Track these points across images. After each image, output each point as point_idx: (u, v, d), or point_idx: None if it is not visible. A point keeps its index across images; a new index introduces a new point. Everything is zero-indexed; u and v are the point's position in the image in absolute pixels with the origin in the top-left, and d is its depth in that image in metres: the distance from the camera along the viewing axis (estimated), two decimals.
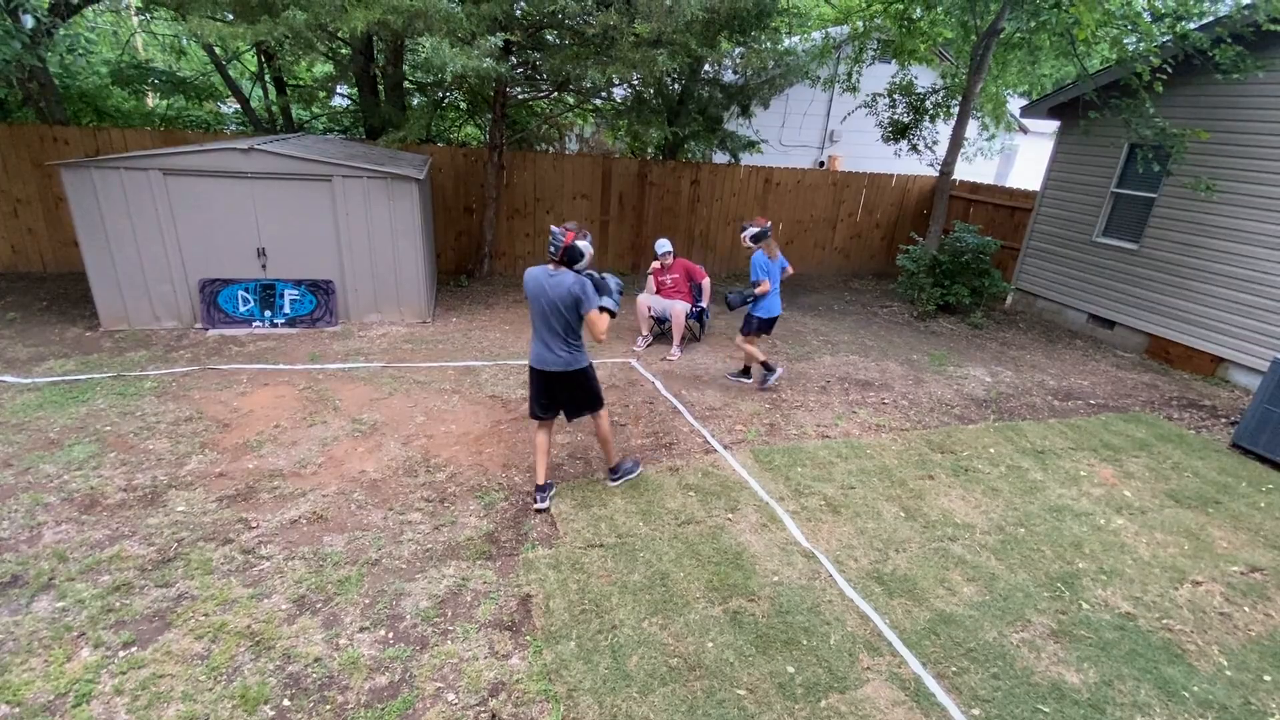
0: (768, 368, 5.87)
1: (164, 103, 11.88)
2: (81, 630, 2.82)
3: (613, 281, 3.62)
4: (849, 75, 9.80)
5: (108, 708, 2.49)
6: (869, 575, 3.57)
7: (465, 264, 9.10)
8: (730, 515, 3.99)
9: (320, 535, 3.54)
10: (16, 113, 9.13)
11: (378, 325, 6.80)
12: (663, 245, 6.68)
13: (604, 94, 8.66)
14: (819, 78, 9.84)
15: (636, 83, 8.08)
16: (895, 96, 9.60)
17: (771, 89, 8.87)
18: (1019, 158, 16.11)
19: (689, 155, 10.57)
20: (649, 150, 10.87)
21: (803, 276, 10.77)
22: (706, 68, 9.15)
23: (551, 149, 11.71)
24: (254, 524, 3.58)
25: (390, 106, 9.01)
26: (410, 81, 9.77)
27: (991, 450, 5.15)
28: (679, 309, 6.53)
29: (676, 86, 9.10)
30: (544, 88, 8.57)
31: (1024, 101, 12.08)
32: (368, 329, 6.68)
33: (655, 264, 6.65)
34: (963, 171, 10.50)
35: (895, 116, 9.69)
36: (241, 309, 6.37)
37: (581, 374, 3.75)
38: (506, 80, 7.42)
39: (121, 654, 2.72)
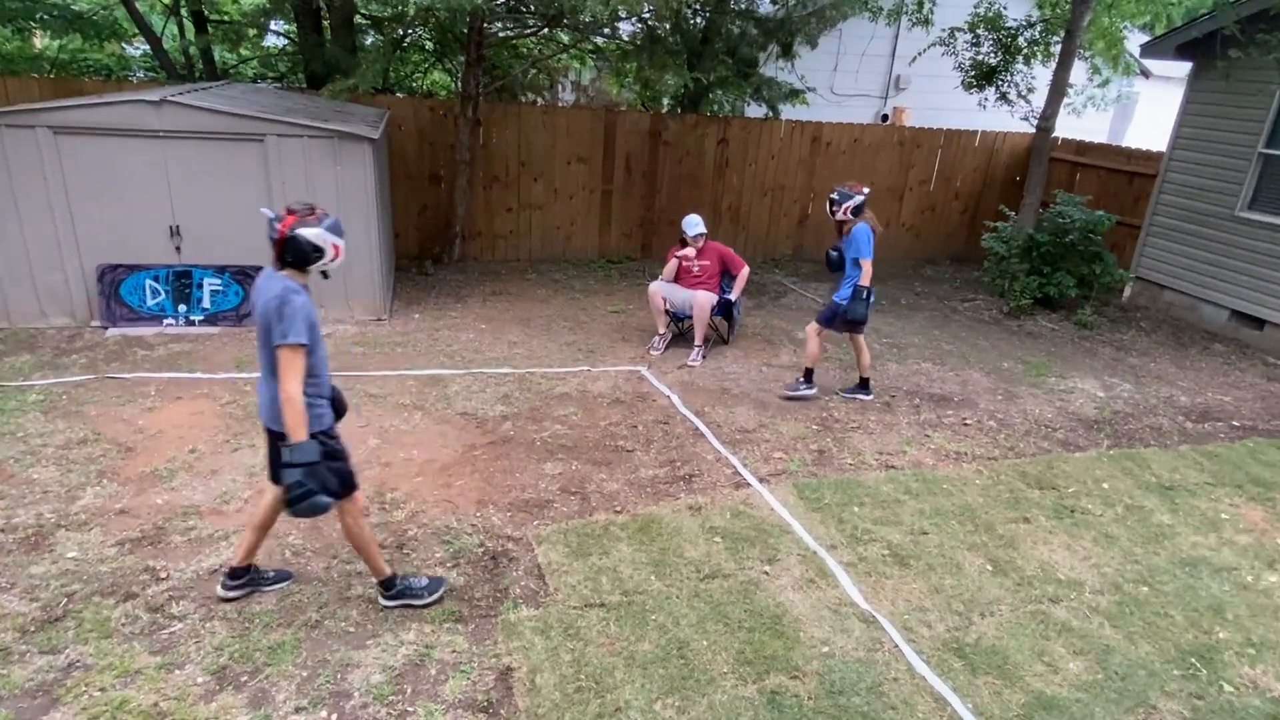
0: (809, 377, 5.97)
1: (55, 44, 12.10)
2: None
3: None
4: (920, 4, 9.81)
5: None
6: (946, 646, 3.55)
7: (431, 246, 9.18)
8: (768, 568, 3.98)
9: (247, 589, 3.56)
10: None
11: (322, 323, 6.85)
12: (694, 224, 6.70)
13: (607, 30, 8.73)
14: (881, 8, 9.86)
15: (648, 15, 8.13)
16: (979, 32, 9.60)
17: (821, 23, 8.90)
18: (1138, 109, 16.03)
19: (715, 108, 10.61)
20: (664, 102, 10.91)
21: None
22: None
23: (540, 100, 11.80)
24: (163, 574, 3.62)
25: (337, 48, 9.13)
26: (363, 16, 9.91)
27: (1105, 486, 5.10)
28: (702, 299, 6.55)
29: (699, 20, 9.15)
30: (531, 23, 8.66)
31: (1146, 37, 12.04)
32: None
33: (684, 250, 6.68)
34: (1066, 127, 10.45)
35: (979, 57, 9.68)
36: (150, 302, 6.46)
37: (307, 444, 3.02)
38: (484, 14, 7.50)
39: None
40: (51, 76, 10.06)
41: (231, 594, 3.48)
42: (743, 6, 9.11)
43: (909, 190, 10.89)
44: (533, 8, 8.14)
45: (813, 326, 5.93)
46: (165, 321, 6.49)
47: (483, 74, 8.43)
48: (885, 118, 12.51)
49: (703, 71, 8.39)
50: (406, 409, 5.43)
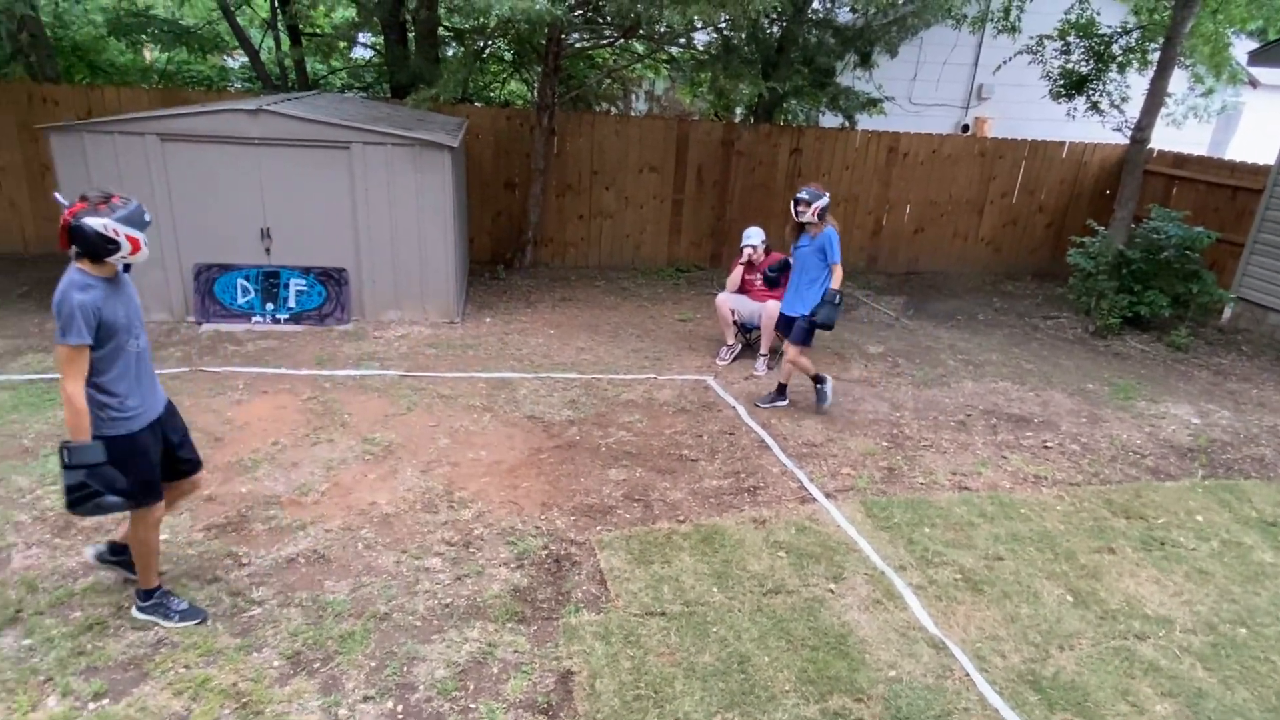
0: (820, 380, 5.90)
1: (164, 56, 12.91)
2: (49, 675, 3.05)
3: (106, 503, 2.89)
4: (1006, 12, 9.52)
5: None
6: (1021, 678, 3.40)
7: (503, 252, 9.38)
8: (833, 586, 3.90)
9: (321, 579, 3.70)
10: (3, 68, 10.15)
11: (397, 324, 7.09)
12: (754, 235, 6.66)
13: (682, 40, 8.77)
14: (965, 16, 9.61)
15: (724, 25, 8.13)
16: (1070, 39, 9.25)
17: (901, 31, 8.74)
18: (1243, 120, 15.11)
19: (788, 117, 10.52)
20: (737, 111, 10.89)
21: (936, 275, 10.47)
22: (815, 4, 9.11)
23: (614, 110, 11.94)
24: (245, 560, 3.79)
25: (421, 59, 9.44)
26: (446, 28, 10.22)
27: (1199, 518, 4.82)
28: (772, 310, 6.48)
29: (775, 29, 9.11)
30: (607, 34, 8.78)
31: (1254, 44, 11.35)
32: (385, 329, 6.98)
33: (743, 255, 6.63)
34: (1164, 138, 9.95)
35: (1070, 65, 9.33)
36: (240, 300, 6.80)
37: (106, 446, 2.95)
38: (562, 25, 7.64)
39: (91, 707, 2.93)
40: (159, 87, 10.73)
41: (100, 564, 3.51)
42: (821, 15, 9.03)
43: (989, 203, 10.54)
44: (609, 19, 8.25)
45: (793, 350, 5.65)
46: (254, 319, 6.82)
47: (559, 84, 8.59)
48: (966, 128, 12.17)
49: (778, 81, 8.35)
50: (476, 410, 5.55)
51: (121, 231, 2.88)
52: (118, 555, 3.53)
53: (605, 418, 5.59)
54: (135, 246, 2.95)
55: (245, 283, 6.79)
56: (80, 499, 2.89)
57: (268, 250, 6.78)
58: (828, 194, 5.42)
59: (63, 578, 3.58)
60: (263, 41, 12.75)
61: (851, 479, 4.96)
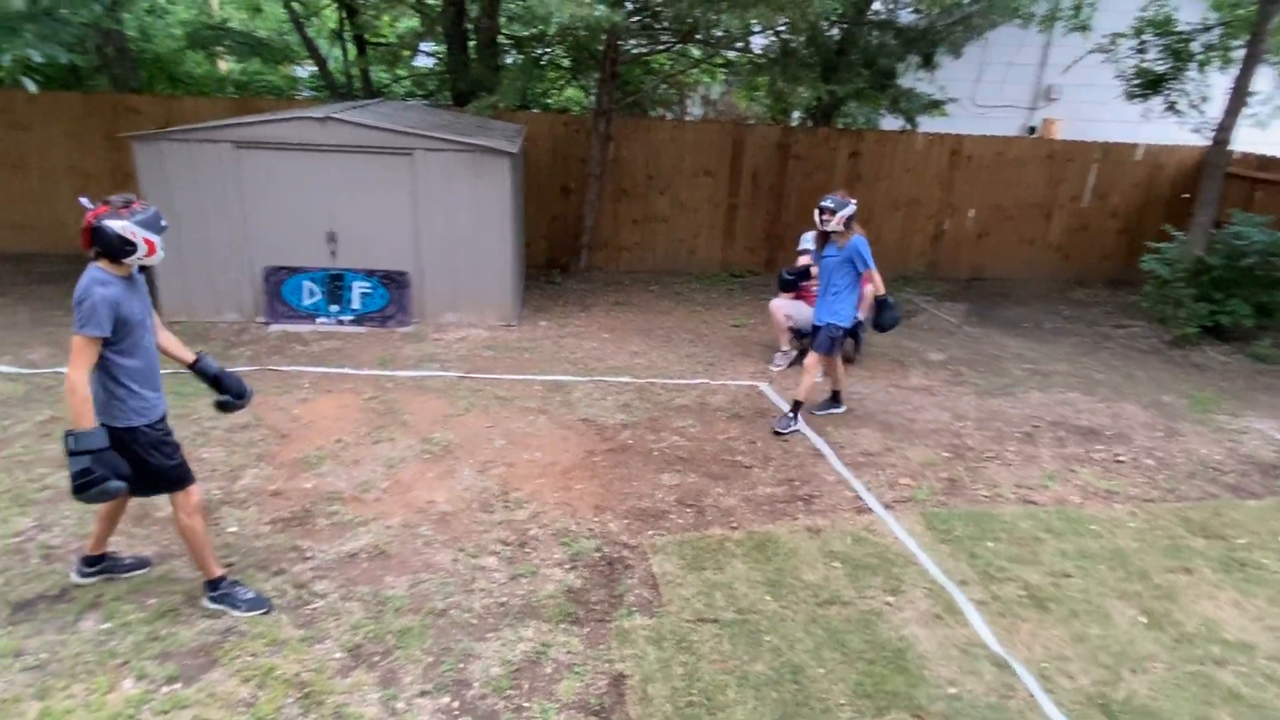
0: (836, 398, 5.87)
1: (238, 66, 13.46)
2: (125, 658, 3.20)
3: (111, 486, 3.00)
4: (1077, 9, 9.20)
5: None
6: (1090, 700, 3.27)
7: (559, 256, 9.48)
8: (890, 599, 3.82)
9: (381, 574, 3.80)
10: (90, 80, 10.72)
11: (455, 327, 7.23)
12: (811, 240, 6.57)
13: (739, 44, 8.74)
14: (1033, 15, 9.33)
15: (783, 28, 8.07)
16: (1145, 37, 8.88)
17: (967, 32, 8.54)
18: None
19: (847, 120, 10.37)
20: (794, 114, 10.78)
21: (1001, 282, 10.17)
22: (877, 5, 8.96)
23: (669, 114, 11.96)
24: (309, 554, 3.91)
25: (482, 66, 9.62)
26: (506, 36, 10.40)
27: None
28: None
29: (835, 31, 8.99)
30: (664, 39, 8.80)
31: None
32: (444, 331, 7.12)
33: (801, 262, 6.55)
34: (1247, 140, 9.46)
35: (1145, 64, 8.96)
36: (306, 302, 7.03)
37: (122, 435, 3.12)
38: (621, 31, 7.70)
39: (164, 690, 3.06)
40: (234, 96, 11.20)
41: (86, 580, 3.59)
42: (882, 17, 8.88)
43: (1058, 207, 10.18)
44: (666, 24, 8.27)
45: (812, 359, 5.46)
46: (319, 320, 7.05)
47: (615, 89, 8.65)
48: (1033, 130, 11.80)
49: (837, 83, 8.23)
50: (531, 412, 5.61)
51: (139, 234, 3.03)
52: (94, 566, 3.62)
53: (658, 422, 5.59)
54: (151, 249, 3.09)
55: (311, 285, 7.01)
56: (85, 484, 2.99)
57: (333, 253, 6.99)
58: (854, 201, 5.25)
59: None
60: (330, 51, 13.18)
61: (910, 490, 4.85)
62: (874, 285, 5.34)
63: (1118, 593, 3.97)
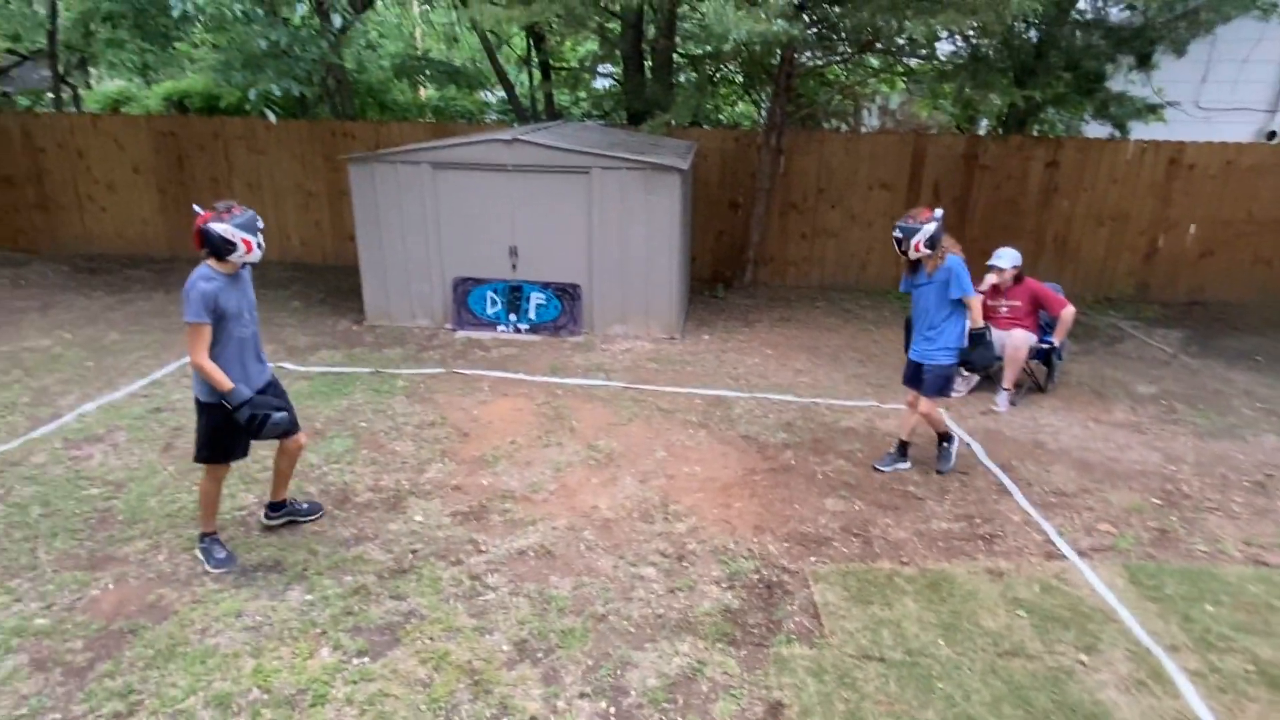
0: (947, 439, 5.12)
1: (436, 93, 14.73)
2: (324, 629, 3.55)
3: (278, 421, 3.60)
4: None
5: (338, 716, 3.08)
6: None
7: (723, 271, 9.49)
8: (1084, 657, 3.44)
9: (546, 573, 3.95)
10: (315, 109, 12.16)
11: (622, 338, 7.44)
12: (1008, 256, 6.11)
13: (923, 51, 8.35)
14: (1275, 5, 8.14)
15: (972, 33, 7.61)
16: None
17: (1192, 28, 7.60)
18: None
19: (1044, 128, 9.58)
20: (982, 123, 10.14)
21: (1227, 307, 8.94)
22: (1082, 3, 8.23)
23: (844, 126, 11.64)
24: (483, 547, 4.15)
25: (657, 86, 9.88)
26: (680, 55, 10.61)
27: None
28: (1019, 339, 5.92)
29: (1032, 33, 8.35)
30: (841, 50, 8.59)
31: None
32: (611, 342, 7.35)
33: (988, 280, 6.10)
34: None
35: None
36: (489, 311, 7.52)
37: (197, 408, 3.74)
38: (798, 44, 7.60)
39: (355, 662, 3.36)
40: (431, 121, 12.25)
41: (273, 522, 4.24)
42: (1088, 17, 8.12)
43: None
44: (844, 35, 8.07)
45: (926, 404, 4.84)
46: (499, 328, 7.51)
47: (788, 103, 8.55)
48: (1273, 135, 10.29)
49: (1034, 89, 7.62)
50: (692, 426, 5.64)
51: (238, 235, 3.50)
52: (278, 511, 4.26)
53: (822, 444, 5.42)
54: (249, 248, 3.55)
55: (494, 295, 7.49)
56: (258, 426, 3.60)
57: (514, 266, 7.43)
58: (933, 218, 4.49)
59: (338, 545, 4.16)
60: (518, 77, 14.09)
61: (1111, 537, 4.35)
62: (972, 315, 4.66)
63: None
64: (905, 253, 4.57)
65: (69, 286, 8.87)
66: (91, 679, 3.21)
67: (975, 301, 4.67)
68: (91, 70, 17.44)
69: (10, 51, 14.89)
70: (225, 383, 3.56)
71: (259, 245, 3.61)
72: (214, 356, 3.61)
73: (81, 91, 16.63)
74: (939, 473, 5.00)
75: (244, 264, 3.66)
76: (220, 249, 3.54)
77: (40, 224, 10.25)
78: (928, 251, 4.53)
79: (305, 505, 4.38)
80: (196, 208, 3.62)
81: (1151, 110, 8.06)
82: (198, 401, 3.74)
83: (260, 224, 3.64)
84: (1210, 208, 8.83)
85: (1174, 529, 4.46)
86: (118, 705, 3.08)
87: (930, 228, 4.47)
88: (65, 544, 4.10)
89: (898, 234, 4.55)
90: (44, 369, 6.41)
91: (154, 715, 3.04)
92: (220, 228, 3.50)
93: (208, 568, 3.93)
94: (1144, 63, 7.97)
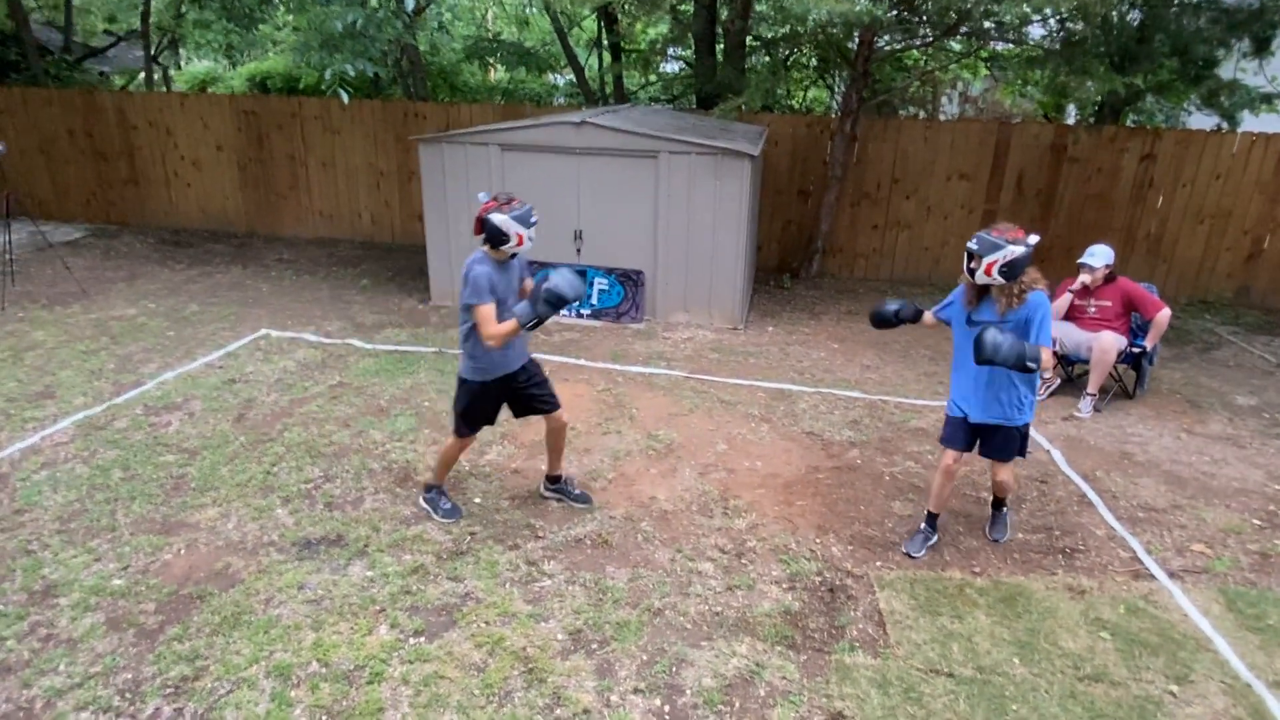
0: (1006, 504, 4.26)
1: (506, 75, 14.82)
2: (383, 606, 3.57)
3: (555, 285, 3.54)
4: None
5: (394, 695, 3.09)
6: None
7: (790, 261, 9.27)
8: (1175, 688, 3.20)
9: (603, 563, 3.90)
10: (389, 90, 12.35)
11: (684, 327, 7.32)
12: (1101, 254, 5.72)
13: (1012, 35, 7.92)
14: None
15: (1069, 14, 7.17)
16: None
17: None
18: None
19: (1141, 117, 9.01)
20: (1072, 112, 9.60)
21: None
22: None
23: (922, 114, 11.21)
24: (540, 533, 4.13)
25: (730, 69, 9.66)
26: (754, 38, 10.36)
27: None
28: (1107, 342, 5.58)
29: (1135, 14, 7.82)
30: (922, 34, 8.22)
31: None
32: (673, 330, 7.24)
33: (1080, 280, 5.75)
34: None
35: None
36: None
37: (459, 383, 3.99)
38: (879, 26, 7.30)
39: (412, 642, 3.37)
40: (501, 103, 12.31)
41: (548, 495, 4.42)
42: None
43: None
44: (927, 18, 7.71)
45: (1009, 472, 4.01)
46: (562, 312, 7.47)
47: (865, 89, 8.24)
48: None
49: (1134, 75, 7.13)
50: (754, 419, 5.50)
51: (512, 228, 3.65)
52: (554, 485, 4.42)
53: (890, 444, 5.22)
54: (520, 240, 3.70)
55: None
56: (553, 305, 3.63)
57: (578, 250, 7.38)
58: (1023, 241, 3.48)
59: (400, 523, 4.19)
60: (587, 60, 14.03)
61: (1206, 559, 4.05)
62: (1044, 362, 3.54)
63: None
64: (972, 272, 3.57)
65: (154, 258, 9.24)
66: (161, 641, 3.31)
67: (1049, 355, 3.68)
68: (181, 51, 18.15)
69: (107, 32, 15.59)
70: (510, 326, 3.65)
71: (529, 239, 3.75)
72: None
73: (172, 72, 17.33)
74: (995, 541, 4.16)
75: (513, 254, 3.81)
76: (496, 237, 3.69)
77: (131, 198, 10.70)
78: (1000, 280, 3.52)
79: (578, 491, 4.44)
80: (481, 195, 3.77)
81: (1267, 100, 7.47)
82: (461, 379, 3.98)
83: (534, 219, 3.76)
84: None
85: (1277, 553, 4.13)
86: (185, 669, 3.16)
87: (1016, 250, 3.45)
88: (142, 508, 4.24)
89: (973, 246, 3.55)
90: (129, 337, 6.68)
91: (218, 681, 3.11)
92: (499, 218, 3.65)
93: (435, 516, 4.21)
94: (1261, 48, 7.38)
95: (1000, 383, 3.73)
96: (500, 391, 4.05)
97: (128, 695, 3.04)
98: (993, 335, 3.39)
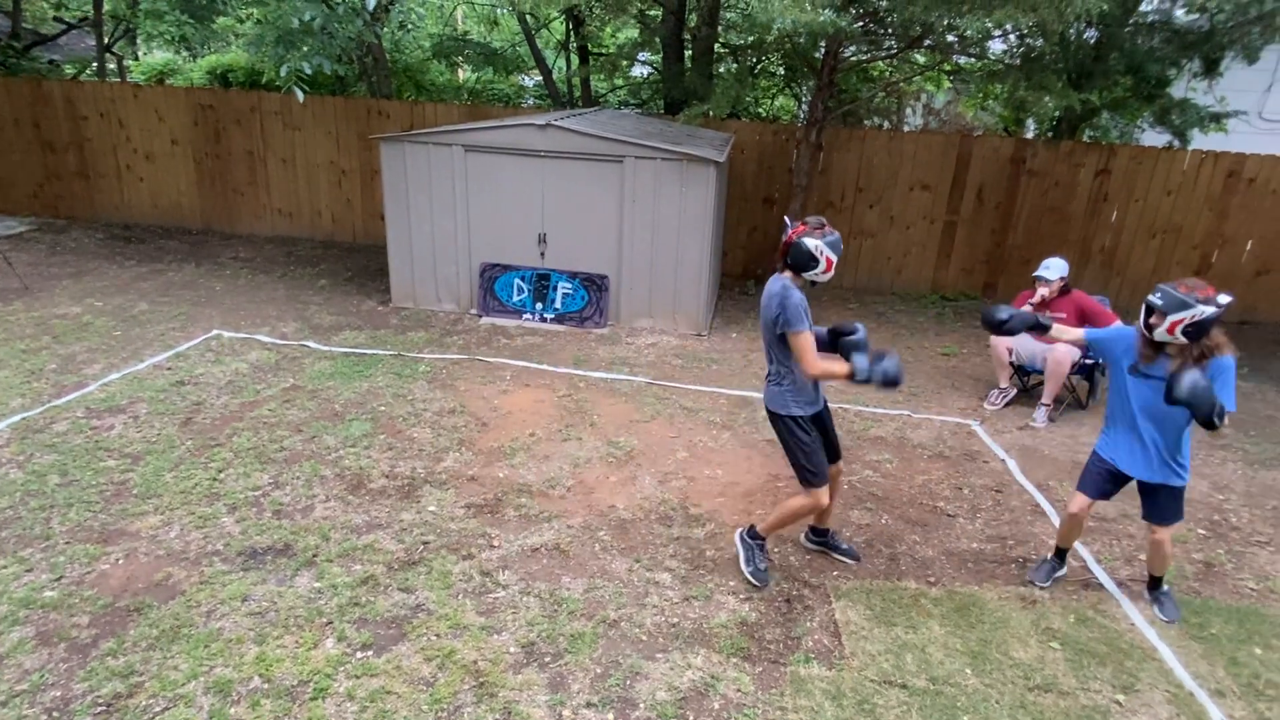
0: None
1: (473, 75, 14.66)
2: (330, 619, 3.47)
3: (890, 366, 3.38)
4: None
5: (339, 711, 3.00)
6: None
7: (755, 268, 9.29)
8: (1121, 697, 3.24)
9: (559, 573, 3.84)
10: (353, 87, 12.13)
11: (647, 332, 7.29)
12: (1056, 267, 5.84)
13: (973, 49, 8.05)
14: None
15: (1028, 31, 7.31)
16: None
17: (1267, 33, 7.22)
18: None
19: (1098, 134, 9.23)
20: (1031, 126, 9.81)
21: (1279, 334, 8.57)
22: (1146, 4, 7.87)
23: (886, 124, 11.36)
24: (496, 542, 4.05)
25: (696, 75, 9.67)
26: (722, 45, 10.39)
27: None
28: (1061, 354, 5.68)
29: (1091, 32, 8.01)
30: (887, 45, 8.32)
31: None
32: (636, 335, 7.21)
33: (1038, 293, 5.85)
34: None
35: None
36: (515, 299, 7.41)
37: (776, 421, 3.66)
38: (844, 37, 7.36)
39: (359, 656, 3.28)
40: (468, 103, 12.17)
41: (812, 546, 4.14)
42: (1152, 19, 7.76)
43: None
44: (892, 30, 7.80)
45: (1168, 534, 3.65)
46: (524, 316, 7.40)
47: (830, 98, 8.31)
48: None
49: (1093, 92, 7.28)
50: (716, 427, 5.49)
51: (824, 253, 3.43)
52: (820, 538, 4.12)
53: (850, 453, 5.24)
54: (829, 266, 3.47)
55: (521, 283, 7.39)
56: (892, 380, 3.43)
57: (542, 254, 7.31)
58: (1215, 301, 3.21)
59: (350, 532, 4.08)
60: (555, 62, 13.95)
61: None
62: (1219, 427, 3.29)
63: None
64: (1151, 328, 3.32)
65: (103, 254, 8.94)
66: (94, 657, 3.17)
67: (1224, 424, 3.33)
68: (139, 42, 17.64)
69: (56, 19, 15.08)
70: (842, 369, 3.45)
71: (834, 268, 3.53)
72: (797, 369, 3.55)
73: (129, 62, 16.83)
74: (1167, 621, 3.72)
75: (813, 282, 3.54)
76: (805, 264, 3.46)
77: (79, 191, 10.35)
78: (1183, 340, 3.28)
79: (845, 546, 4.12)
80: (787, 219, 3.58)
81: (1215, 120, 7.69)
82: (784, 417, 3.63)
83: (841, 247, 3.51)
84: (1269, 224, 8.42)
85: (1221, 563, 4.23)
86: (118, 685, 3.03)
87: (1207, 311, 3.19)
88: (79, 515, 4.08)
89: (1155, 301, 3.28)
90: (72, 336, 6.44)
91: (153, 698, 2.99)
92: (812, 243, 3.43)
93: (742, 565, 3.89)
94: (1211, 69, 7.61)
95: (1161, 446, 3.50)
96: (817, 428, 3.72)
97: (55, 714, 2.90)
98: (1194, 376, 3.16)
